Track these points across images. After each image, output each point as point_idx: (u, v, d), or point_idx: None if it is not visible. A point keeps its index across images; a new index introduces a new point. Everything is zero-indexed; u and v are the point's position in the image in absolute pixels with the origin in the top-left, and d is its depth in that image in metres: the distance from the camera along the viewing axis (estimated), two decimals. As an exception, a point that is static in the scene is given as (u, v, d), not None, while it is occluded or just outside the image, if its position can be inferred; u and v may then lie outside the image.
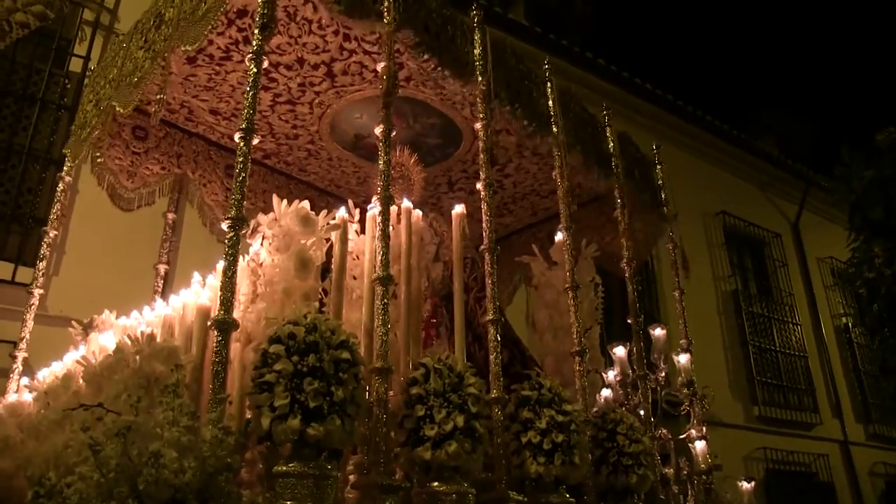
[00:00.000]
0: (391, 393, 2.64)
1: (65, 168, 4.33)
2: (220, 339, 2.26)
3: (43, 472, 2.44)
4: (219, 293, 2.33)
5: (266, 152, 4.94)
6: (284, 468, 2.20)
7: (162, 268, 4.63)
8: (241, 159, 2.57)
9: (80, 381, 2.52)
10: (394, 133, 3.09)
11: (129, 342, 2.27)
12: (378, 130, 3.06)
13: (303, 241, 2.66)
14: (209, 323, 2.34)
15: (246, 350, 2.52)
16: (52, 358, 3.50)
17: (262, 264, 2.67)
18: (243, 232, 2.43)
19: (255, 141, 2.62)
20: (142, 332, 2.31)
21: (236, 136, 2.62)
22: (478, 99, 3.66)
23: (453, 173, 5.12)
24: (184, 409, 1.95)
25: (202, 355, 2.43)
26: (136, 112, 4.24)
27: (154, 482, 1.79)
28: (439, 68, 3.59)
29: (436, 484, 2.58)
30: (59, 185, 4.28)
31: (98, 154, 3.77)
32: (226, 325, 2.27)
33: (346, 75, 4.12)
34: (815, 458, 11.04)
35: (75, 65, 6.30)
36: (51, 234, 4.17)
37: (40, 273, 4.07)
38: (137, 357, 2.23)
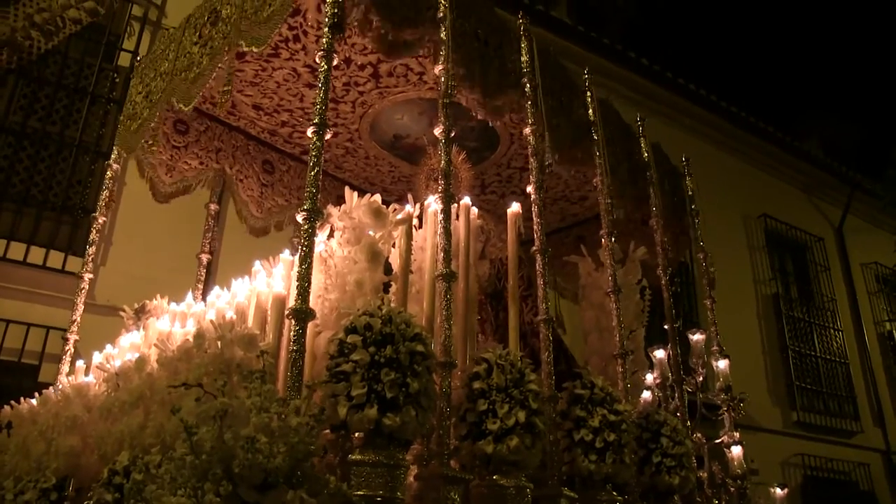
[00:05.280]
0: (455, 386, 2.68)
1: (112, 156, 4.39)
2: (297, 328, 2.30)
3: (115, 451, 2.50)
4: (295, 283, 2.37)
5: (304, 148, 4.97)
6: (360, 457, 2.25)
7: (204, 257, 4.68)
8: (314, 153, 2.61)
9: (154, 364, 2.57)
10: (455, 135, 3.13)
11: (211, 328, 2.32)
12: (438, 131, 3.09)
13: (373, 234, 2.70)
14: (286, 312, 2.38)
15: (317, 339, 2.56)
16: (100, 345, 3.56)
17: (332, 256, 2.70)
18: (318, 224, 2.46)
19: (327, 136, 2.65)
20: (223, 318, 2.36)
21: (309, 131, 2.67)
22: (527, 104, 3.69)
23: (486, 176, 5.14)
24: (272, 396, 2.00)
25: (277, 343, 2.48)
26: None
27: (248, 466, 1.83)
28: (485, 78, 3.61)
29: (496, 477, 2.63)
30: (108, 172, 4.33)
31: (152, 143, 3.81)
32: (304, 315, 2.32)
33: (392, 77, 4.17)
34: (856, 466, 10.90)
35: (124, 59, 6.45)
36: (100, 221, 4.22)
37: (90, 258, 4.12)
38: (219, 342, 2.28)
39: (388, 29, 3.16)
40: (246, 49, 3.30)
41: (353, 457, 2.26)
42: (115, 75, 6.45)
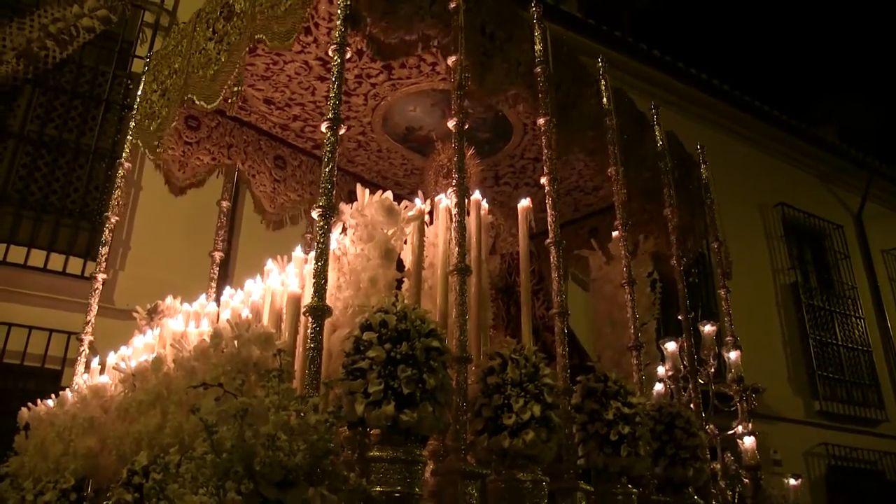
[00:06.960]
0: (470, 381, 2.69)
1: (123, 155, 4.39)
2: (314, 325, 2.31)
3: (133, 452, 2.52)
4: (310, 280, 2.38)
5: (316, 142, 4.95)
6: (378, 453, 2.26)
7: (217, 255, 4.64)
8: (328, 149, 2.62)
9: (171, 364, 2.58)
10: (466, 127, 3.12)
11: (228, 327, 2.33)
12: (451, 123, 3.10)
13: (386, 231, 2.71)
14: (303, 310, 2.39)
15: (332, 337, 2.57)
16: (119, 348, 3.58)
17: (345, 253, 2.71)
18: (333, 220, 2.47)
19: (342, 131, 2.66)
20: (239, 317, 2.37)
21: (323, 126, 2.66)
22: (539, 93, 3.68)
23: (500, 168, 5.12)
24: (290, 394, 2.00)
25: (293, 341, 2.49)
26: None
27: (269, 463, 1.84)
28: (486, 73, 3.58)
29: (513, 471, 2.64)
30: (119, 171, 4.34)
31: (164, 140, 3.82)
32: (320, 312, 2.33)
33: (404, 68, 4.13)
34: (882, 455, 10.78)
35: (137, 66, 6.49)
36: (112, 220, 4.22)
37: (103, 258, 4.12)
38: (235, 342, 2.29)
39: (381, 29, 3.15)
40: (269, 46, 3.27)
41: (371, 453, 2.28)
42: (129, 82, 6.56)
